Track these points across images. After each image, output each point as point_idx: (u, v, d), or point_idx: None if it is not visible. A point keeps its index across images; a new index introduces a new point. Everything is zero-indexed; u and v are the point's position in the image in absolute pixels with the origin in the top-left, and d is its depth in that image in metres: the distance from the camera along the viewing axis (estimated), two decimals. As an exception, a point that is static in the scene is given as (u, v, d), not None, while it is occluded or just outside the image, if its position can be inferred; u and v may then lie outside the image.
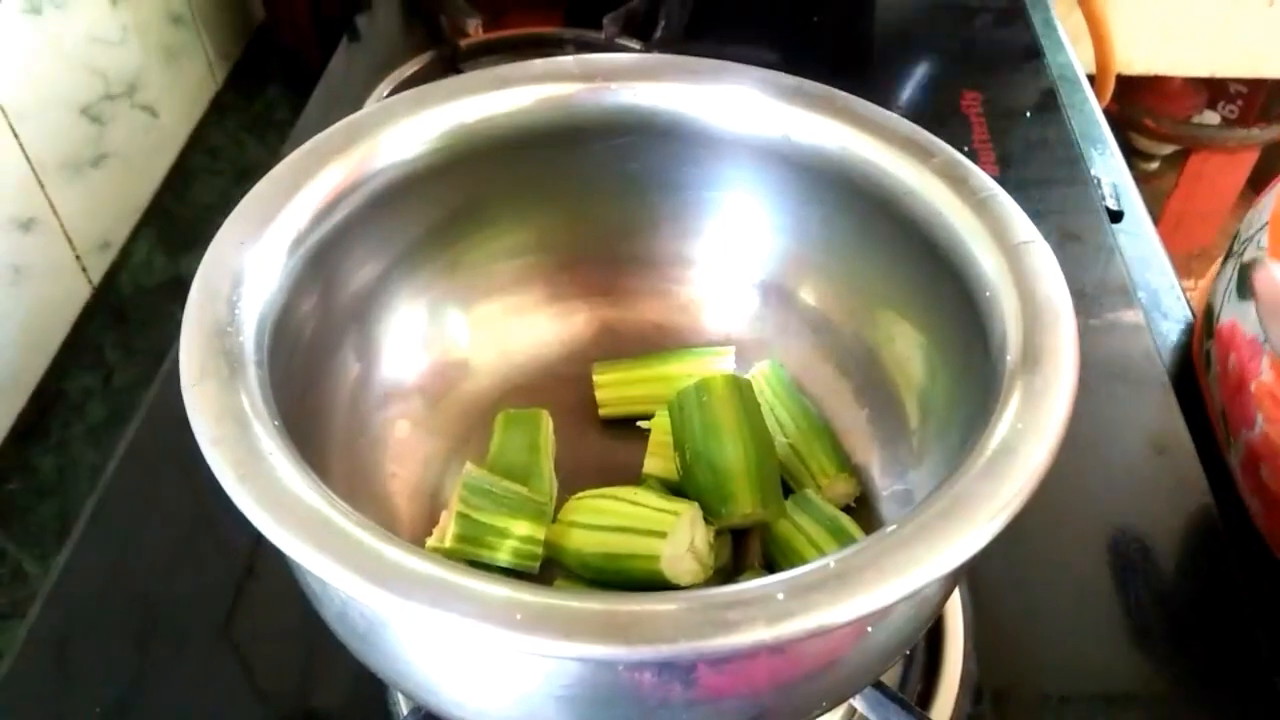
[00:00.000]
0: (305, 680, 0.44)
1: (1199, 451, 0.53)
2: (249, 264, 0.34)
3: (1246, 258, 0.52)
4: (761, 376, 0.45)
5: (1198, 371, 0.57)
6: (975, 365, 0.36)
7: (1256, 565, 0.50)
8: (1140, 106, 1.23)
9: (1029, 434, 0.30)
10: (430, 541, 0.39)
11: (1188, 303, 0.63)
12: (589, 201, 0.44)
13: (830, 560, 0.27)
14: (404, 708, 0.42)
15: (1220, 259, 0.58)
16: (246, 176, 0.82)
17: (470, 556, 0.38)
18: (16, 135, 0.64)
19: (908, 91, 0.77)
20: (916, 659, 0.44)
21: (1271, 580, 0.50)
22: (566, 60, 0.42)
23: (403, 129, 0.38)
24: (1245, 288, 0.51)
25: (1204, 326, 0.57)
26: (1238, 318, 0.51)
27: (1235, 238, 0.56)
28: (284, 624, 0.46)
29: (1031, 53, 0.81)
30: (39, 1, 0.66)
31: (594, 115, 0.41)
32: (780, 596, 0.26)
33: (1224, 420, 0.53)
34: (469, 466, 0.40)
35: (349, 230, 0.38)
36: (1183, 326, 0.62)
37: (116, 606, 0.47)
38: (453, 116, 0.39)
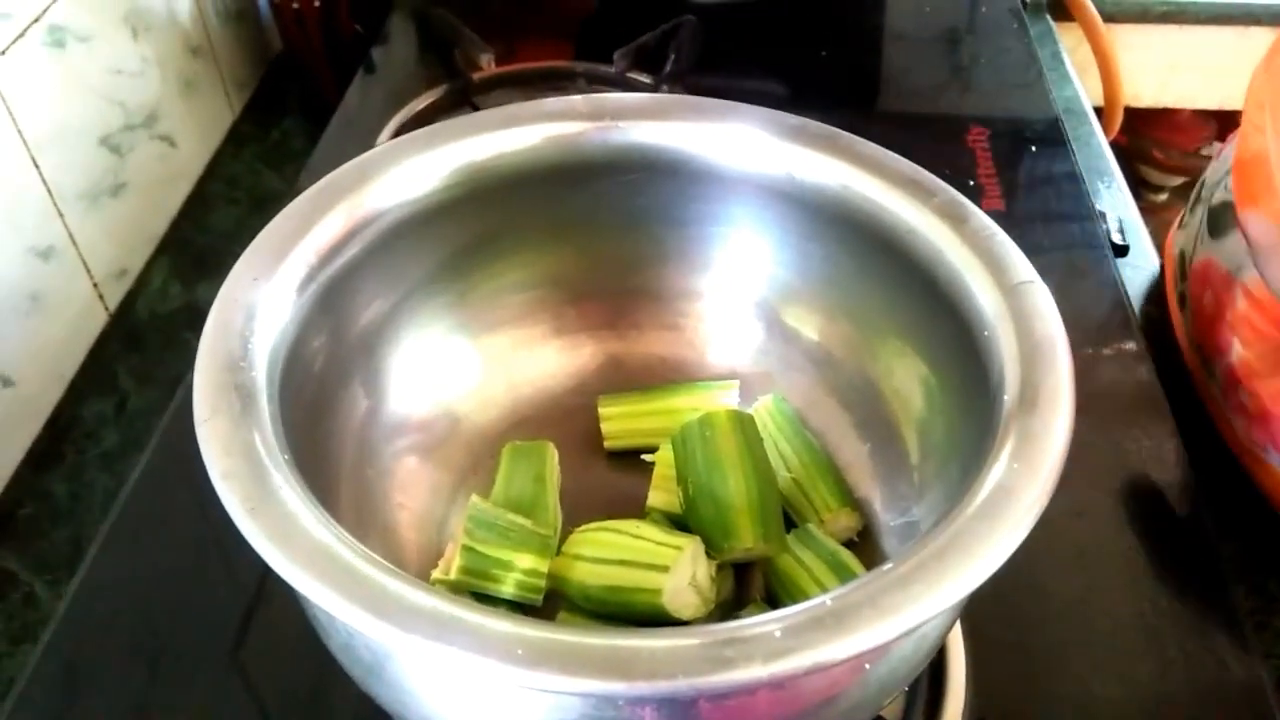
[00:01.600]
0: (311, 706, 0.45)
1: (1203, 481, 0.53)
2: (261, 300, 0.34)
3: (1215, 201, 0.56)
4: (765, 411, 0.46)
5: (1171, 311, 0.60)
6: (974, 403, 0.36)
7: (1262, 596, 0.50)
8: (1149, 138, 1.23)
9: (1025, 474, 0.30)
10: (435, 573, 0.40)
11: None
12: (596, 237, 0.45)
13: (827, 598, 0.28)
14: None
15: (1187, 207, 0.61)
16: (263, 206, 0.83)
17: (474, 589, 0.39)
18: (37, 165, 0.65)
19: (913, 125, 0.78)
20: (919, 692, 0.44)
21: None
22: (575, 99, 0.43)
23: (414, 167, 0.39)
24: (1217, 227, 0.55)
25: (1177, 271, 0.61)
26: (1212, 253, 0.54)
27: (1202, 185, 0.60)
28: (292, 650, 0.46)
29: (1038, 86, 0.82)
30: (62, 35, 0.67)
31: (601, 153, 0.42)
32: (777, 634, 0.27)
33: (1201, 354, 0.55)
34: (474, 499, 0.41)
35: (360, 266, 0.38)
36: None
37: (127, 631, 0.47)
38: (463, 154, 0.40)
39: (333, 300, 0.37)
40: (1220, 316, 0.53)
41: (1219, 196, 0.55)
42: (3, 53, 0.62)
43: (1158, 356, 0.59)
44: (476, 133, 0.40)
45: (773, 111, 0.43)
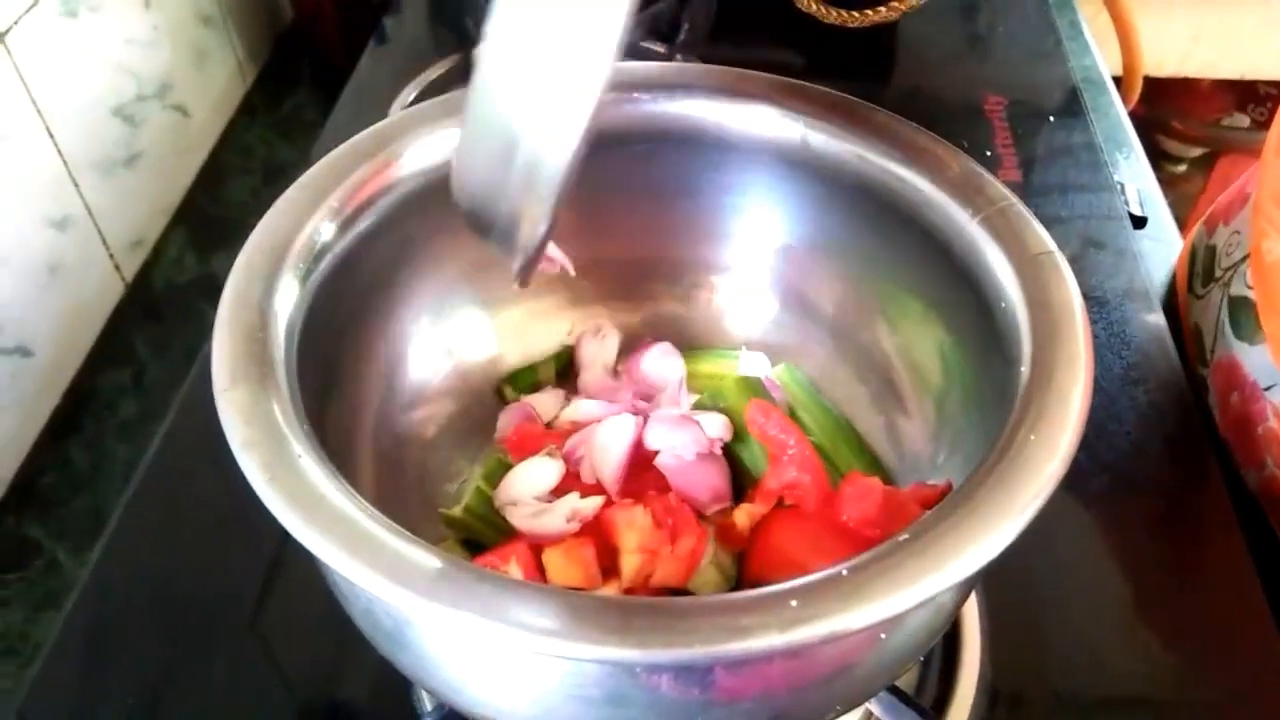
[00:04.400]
0: (330, 674, 0.45)
1: (1219, 457, 0.53)
2: (279, 269, 0.35)
3: (1235, 292, 0.52)
4: (779, 380, 0.46)
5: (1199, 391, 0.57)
6: (991, 374, 0.36)
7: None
8: (1168, 109, 1.22)
9: (1042, 445, 0.30)
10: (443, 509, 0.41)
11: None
12: (611, 207, 0.45)
13: (843, 568, 0.28)
14: (428, 704, 0.43)
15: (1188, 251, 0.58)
16: (276, 176, 0.83)
17: (476, 534, 0.39)
18: (52, 135, 0.65)
19: (930, 95, 0.77)
20: (933, 663, 0.44)
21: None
22: (590, 69, 0.42)
23: (429, 136, 0.39)
24: (1240, 326, 0.51)
25: (1195, 347, 0.57)
26: (1238, 357, 0.51)
27: (1214, 258, 0.56)
28: (310, 619, 0.47)
29: (1056, 55, 0.81)
30: (75, 4, 0.67)
31: (616, 123, 0.41)
32: (793, 603, 0.27)
33: (1231, 448, 0.54)
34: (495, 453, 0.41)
35: (375, 236, 0.38)
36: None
37: (147, 600, 0.48)
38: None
39: (349, 270, 0.37)
40: (1250, 427, 0.51)
41: (1238, 289, 0.51)
42: (16, 23, 0.62)
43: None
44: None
45: (789, 81, 0.42)
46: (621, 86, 0.41)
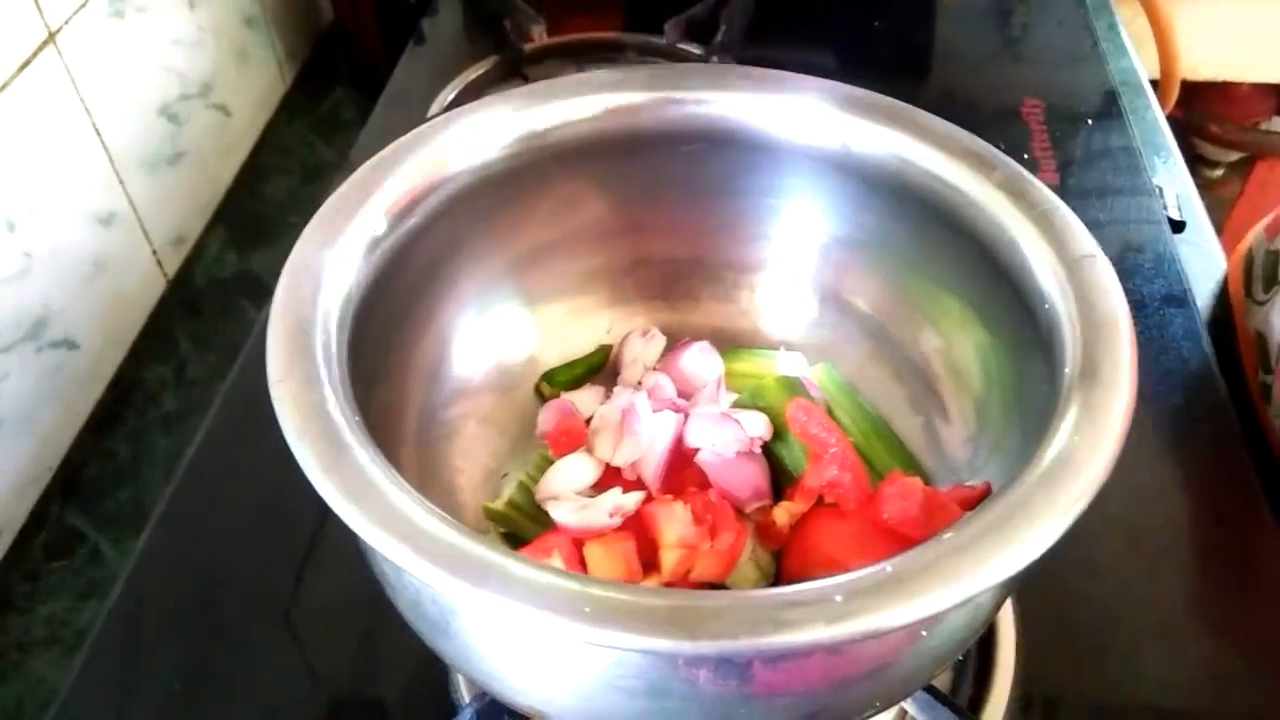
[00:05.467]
0: (366, 664, 0.46)
1: (1256, 464, 0.52)
2: (330, 265, 0.35)
3: (1269, 280, 0.52)
4: (817, 380, 0.46)
5: (1254, 397, 0.56)
6: (1033, 376, 0.36)
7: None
8: (1206, 112, 1.21)
9: (1087, 447, 0.30)
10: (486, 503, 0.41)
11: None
12: (652, 207, 0.46)
13: (888, 565, 0.28)
14: (465, 695, 0.43)
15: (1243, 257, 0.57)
16: (315, 175, 0.84)
17: (517, 527, 0.40)
18: (99, 134, 0.67)
19: (967, 97, 0.77)
20: (968, 664, 0.45)
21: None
22: (635, 70, 0.43)
23: (477, 134, 0.40)
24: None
25: (1259, 354, 0.56)
26: None
27: (1276, 263, 0.55)
28: (341, 611, 0.48)
29: (1094, 58, 0.81)
30: (122, 5, 0.68)
31: (660, 124, 0.42)
32: (838, 598, 0.27)
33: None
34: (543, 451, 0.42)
35: (423, 233, 0.39)
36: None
37: (187, 592, 0.49)
38: (525, 123, 0.40)
39: (396, 266, 0.38)
40: None
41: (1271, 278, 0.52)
42: (66, 23, 0.63)
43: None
44: (537, 102, 0.41)
45: (830, 82, 0.42)
46: (665, 87, 0.42)
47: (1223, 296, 0.63)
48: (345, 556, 0.48)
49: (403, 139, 0.39)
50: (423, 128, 0.40)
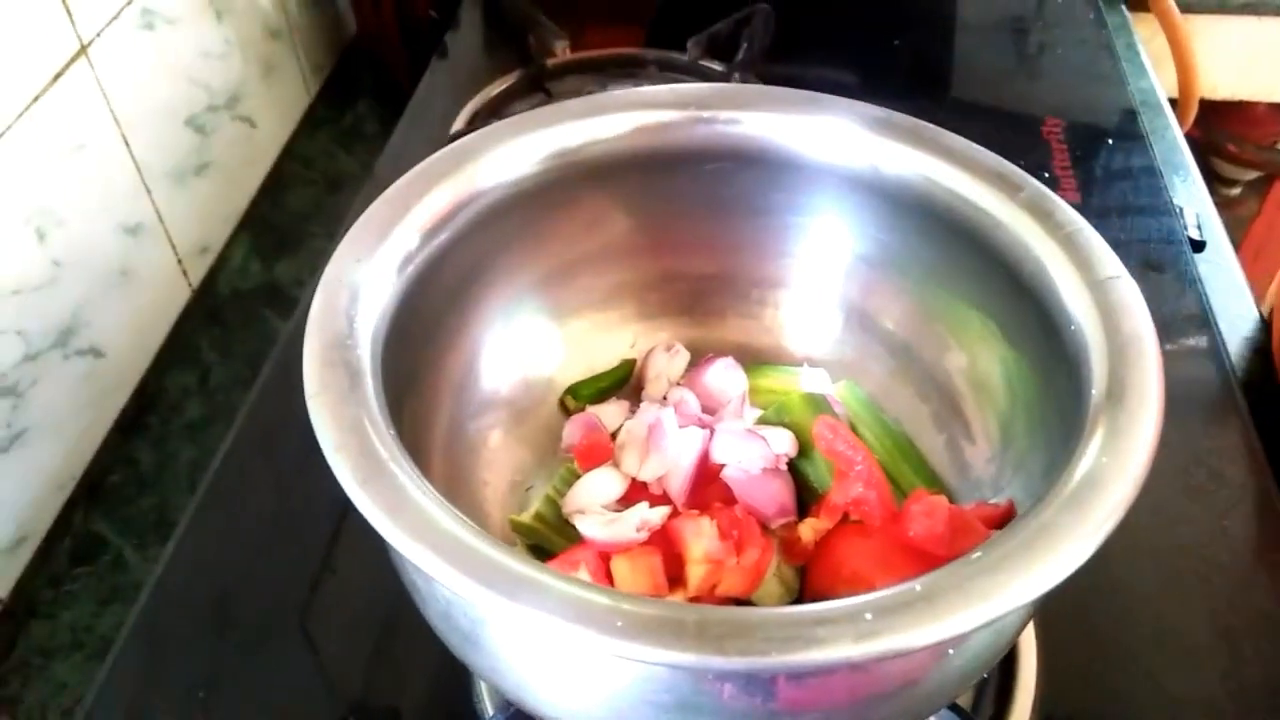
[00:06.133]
0: (372, 672, 0.47)
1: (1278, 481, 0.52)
2: (364, 280, 0.36)
3: None
4: (840, 397, 0.46)
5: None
6: (1058, 396, 0.36)
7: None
8: (1223, 132, 1.21)
9: (1114, 467, 0.31)
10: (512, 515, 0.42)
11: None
12: (679, 224, 0.46)
13: (917, 584, 0.28)
14: (489, 706, 0.44)
15: None
16: (338, 187, 0.85)
17: (543, 539, 0.40)
18: (128, 144, 0.67)
19: (988, 116, 0.77)
20: (989, 683, 0.45)
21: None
22: (663, 89, 0.43)
23: (509, 152, 0.40)
24: None
25: None
26: None
27: None
28: (354, 619, 0.48)
29: (1114, 77, 0.81)
30: (152, 17, 0.69)
31: (688, 142, 0.42)
32: (868, 616, 0.27)
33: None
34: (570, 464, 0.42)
35: (454, 249, 0.40)
36: (1263, 358, 0.61)
37: (206, 600, 0.50)
38: (556, 140, 0.41)
39: (428, 281, 0.39)
40: None
41: None
42: (99, 35, 0.64)
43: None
44: (567, 120, 0.41)
45: (856, 102, 0.43)
46: (695, 106, 0.42)
47: (1262, 324, 0.62)
48: (361, 566, 0.49)
49: (435, 156, 0.40)
50: (455, 145, 0.40)
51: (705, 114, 0.42)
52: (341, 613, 0.49)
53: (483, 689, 0.44)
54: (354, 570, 0.50)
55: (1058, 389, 0.37)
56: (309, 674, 0.47)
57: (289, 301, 0.76)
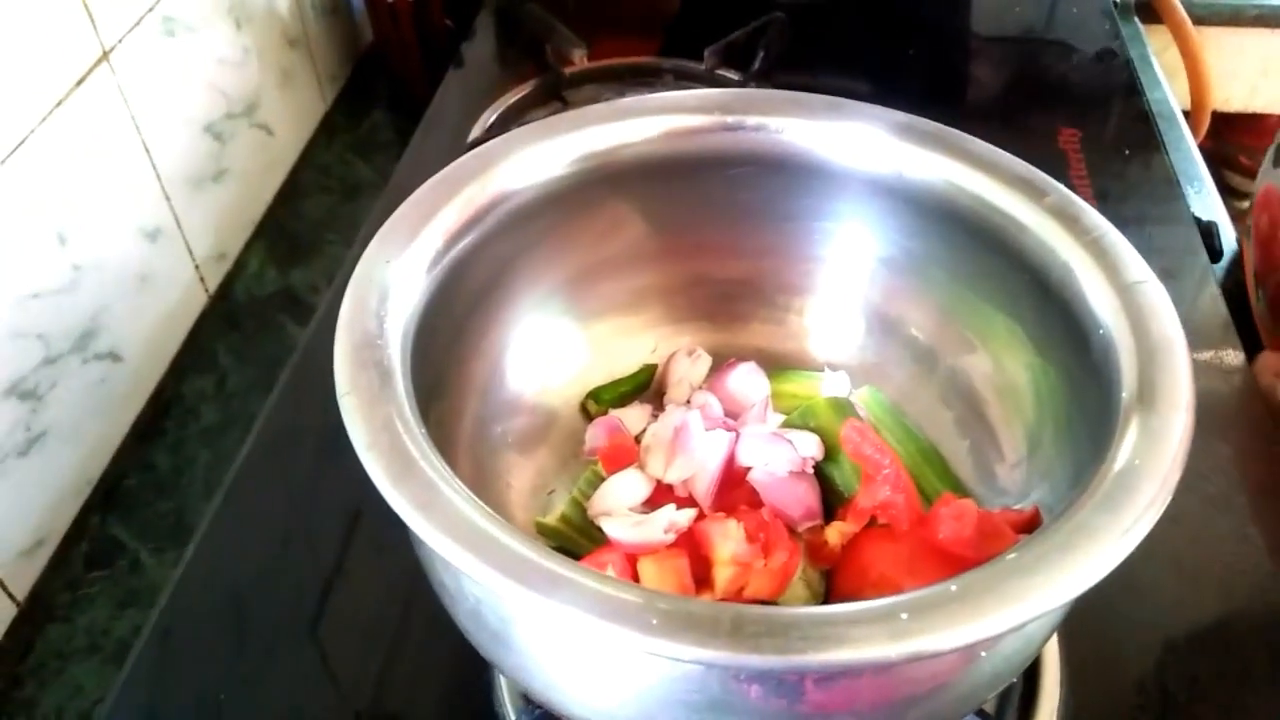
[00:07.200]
0: (381, 677, 0.47)
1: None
2: (394, 280, 0.36)
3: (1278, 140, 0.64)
4: (861, 402, 0.46)
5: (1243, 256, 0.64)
6: (1085, 401, 0.36)
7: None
8: (1235, 143, 1.21)
9: (1147, 470, 0.30)
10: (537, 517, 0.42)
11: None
12: (703, 229, 0.46)
13: (952, 584, 0.28)
14: (510, 709, 0.43)
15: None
16: (353, 194, 0.85)
17: (568, 542, 0.40)
18: (148, 150, 0.68)
19: (1003, 127, 0.77)
20: (1014, 690, 0.44)
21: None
22: (687, 94, 0.44)
23: (536, 155, 0.41)
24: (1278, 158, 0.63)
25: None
26: (1272, 181, 0.63)
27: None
28: (364, 625, 0.48)
29: (1129, 89, 0.81)
30: (173, 25, 0.70)
31: (715, 147, 0.43)
32: (903, 616, 0.27)
33: (1255, 279, 0.60)
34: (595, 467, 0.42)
35: (481, 251, 0.40)
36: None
37: (221, 606, 0.50)
38: (583, 145, 0.41)
39: (456, 282, 0.39)
40: (1275, 236, 0.57)
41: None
42: (120, 41, 0.64)
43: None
44: (596, 124, 0.41)
45: (880, 108, 0.43)
46: (718, 111, 0.43)
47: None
48: (373, 572, 0.49)
49: (463, 158, 0.40)
50: (483, 147, 0.41)
51: (731, 119, 0.42)
52: (356, 618, 0.49)
53: (504, 692, 0.44)
54: (367, 575, 0.50)
55: (1085, 394, 0.36)
56: (324, 679, 0.47)
57: (305, 308, 0.76)
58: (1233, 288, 0.65)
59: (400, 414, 0.32)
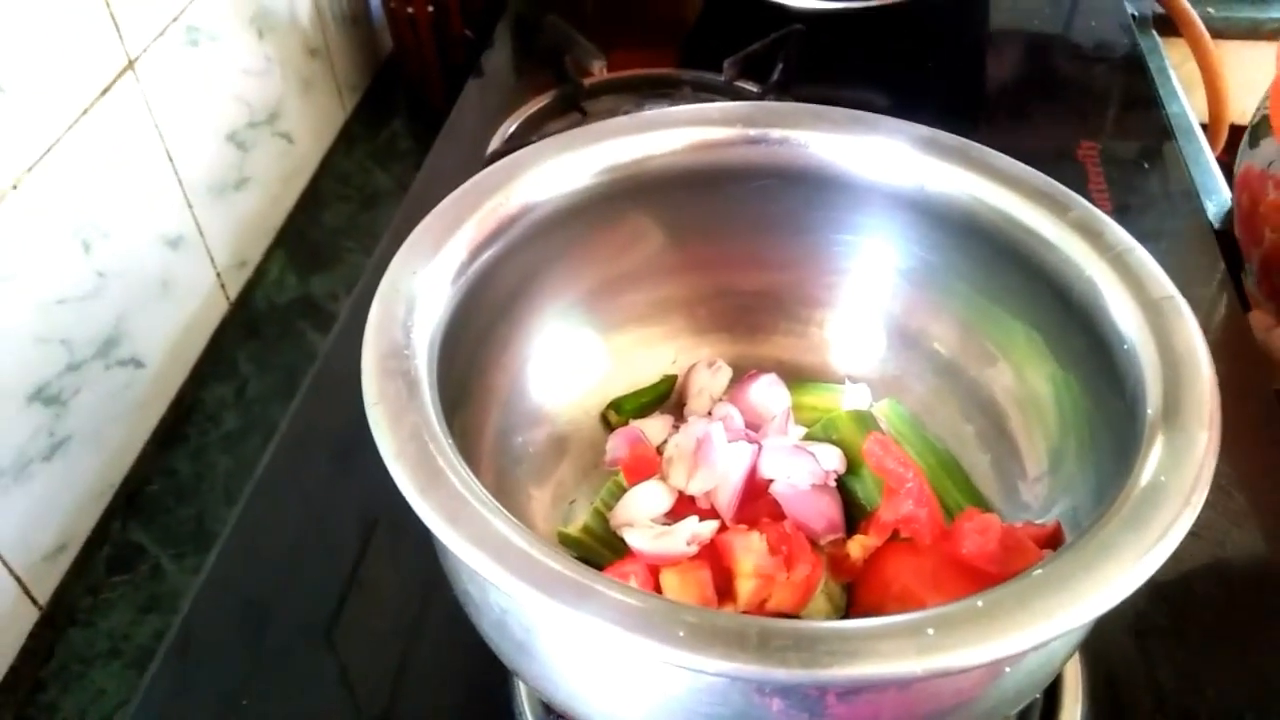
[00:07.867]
0: (395, 683, 0.47)
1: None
2: (420, 291, 0.36)
3: (1256, 118, 0.66)
4: (882, 414, 0.46)
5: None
6: (1108, 416, 0.36)
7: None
8: (1252, 157, 1.21)
9: (1172, 487, 0.30)
10: (559, 527, 0.42)
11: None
12: (725, 241, 0.46)
13: (978, 600, 0.28)
14: (530, 717, 0.44)
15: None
16: (372, 203, 0.86)
17: (590, 552, 0.41)
18: (171, 159, 0.68)
19: (1022, 140, 0.77)
20: (1035, 706, 0.44)
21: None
22: (710, 107, 0.44)
23: (560, 166, 0.41)
24: (1256, 138, 0.65)
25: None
26: (1250, 161, 0.64)
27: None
28: (378, 632, 0.49)
29: (1147, 102, 0.81)
30: (197, 34, 0.71)
31: (738, 160, 0.43)
32: (930, 631, 0.27)
33: (1240, 254, 0.63)
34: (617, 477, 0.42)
35: (505, 262, 0.40)
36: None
37: (239, 611, 0.50)
38: (605, 157, 0.41)
39: (480, 292, 0.39)
40: (1255, 211, 0.61)
41: (1259, 114, 0.65)
42: (145, 51, 0.65)
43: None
44: (620, 136, 0.42)
45: (903, 122, 0.43)
46: (741, 124, 0.43)
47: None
48: (390, 579, 0.50)
49: (488, 170, 0.40)
50: (507, 159, 0.41)
51: (754, 132, 0.43)
52: (374, 625, 0.49)
53: (524, 701, 0.44)
54: (384, 583, 0.50)
55: (1108, 409, 0.36)
56: (342, 686, 0.47)
57: (324, 315, 0.76)
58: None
59: (427, 424, 0.32)
